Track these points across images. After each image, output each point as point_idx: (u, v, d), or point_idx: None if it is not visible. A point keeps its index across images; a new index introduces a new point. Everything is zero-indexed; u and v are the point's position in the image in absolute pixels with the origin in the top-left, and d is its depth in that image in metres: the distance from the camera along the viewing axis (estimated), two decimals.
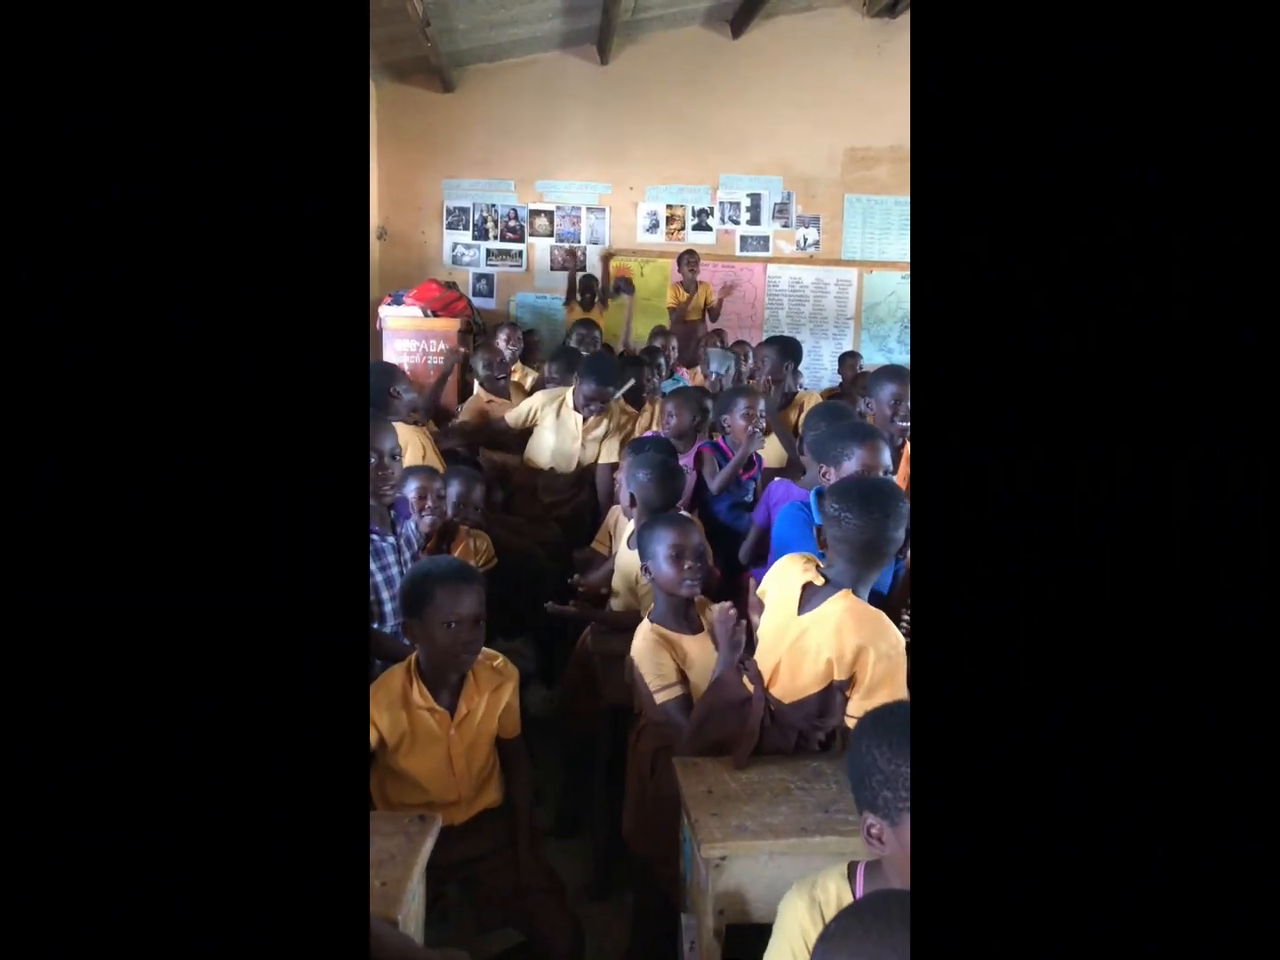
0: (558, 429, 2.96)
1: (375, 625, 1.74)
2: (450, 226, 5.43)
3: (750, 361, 3.68)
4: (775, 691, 1.40)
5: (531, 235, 5.48)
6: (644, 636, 1.65)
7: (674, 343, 4.15)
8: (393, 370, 2.70)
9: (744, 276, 5.56)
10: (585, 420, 2.93)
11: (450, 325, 4.41)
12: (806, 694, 1.37)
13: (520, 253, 5.50)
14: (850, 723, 1.33)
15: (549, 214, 5.47)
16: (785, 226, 5.57)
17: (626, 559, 2.11)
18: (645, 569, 1.73)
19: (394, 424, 1.97)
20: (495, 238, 5.46)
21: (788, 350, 3.11)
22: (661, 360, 3.72)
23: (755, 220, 5.55)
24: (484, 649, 1.56)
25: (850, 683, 1.33)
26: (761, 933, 1.09)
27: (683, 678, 1.60)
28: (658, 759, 1.55)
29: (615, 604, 2.16)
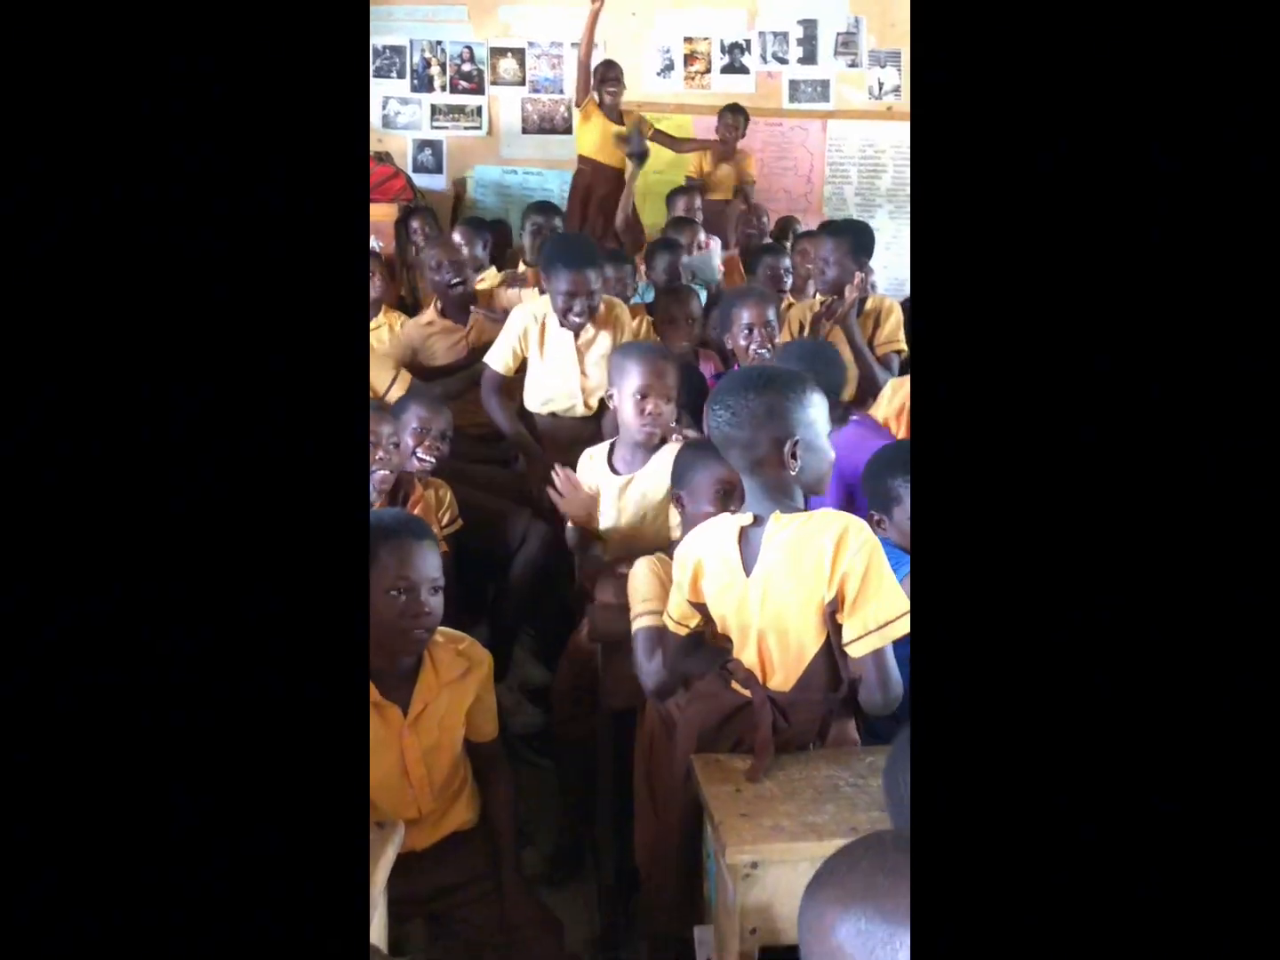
0: (546, 359, 2.95)
1: None
2: (379, 74, 5.55)
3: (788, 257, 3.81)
4: (774, 684, 1.59)
5: (494, 84, 5.61)
6: (641, 563, 1.96)
7: (703, 236, 4.26)
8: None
9: (794, 138, 5.67)
10: (576, 337, 2.92)
11: (382, 214, 4.56)
12: (806, 662, 1.55)
13: (479, 109, 5.63)
14: (852, 651, 1.51)
15: (518, 53, 5.58)
16: (853, 66, 5.66)
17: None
18: (610, 395, 2.35)
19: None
20: (443, 88, 5.59)
21: (856, 241, 3.23)
22: (684, 256, 3.84)
23: (810, 58, 5.64)
24: (446, 630, 1.74)
25: (837, 604, 1.51)
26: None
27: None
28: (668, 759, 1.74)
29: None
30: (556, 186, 5.51)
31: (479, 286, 3.69)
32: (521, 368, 3.02)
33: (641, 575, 1.90)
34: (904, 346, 3.37)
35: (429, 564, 1.66)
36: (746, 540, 1.57)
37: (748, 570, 1.55)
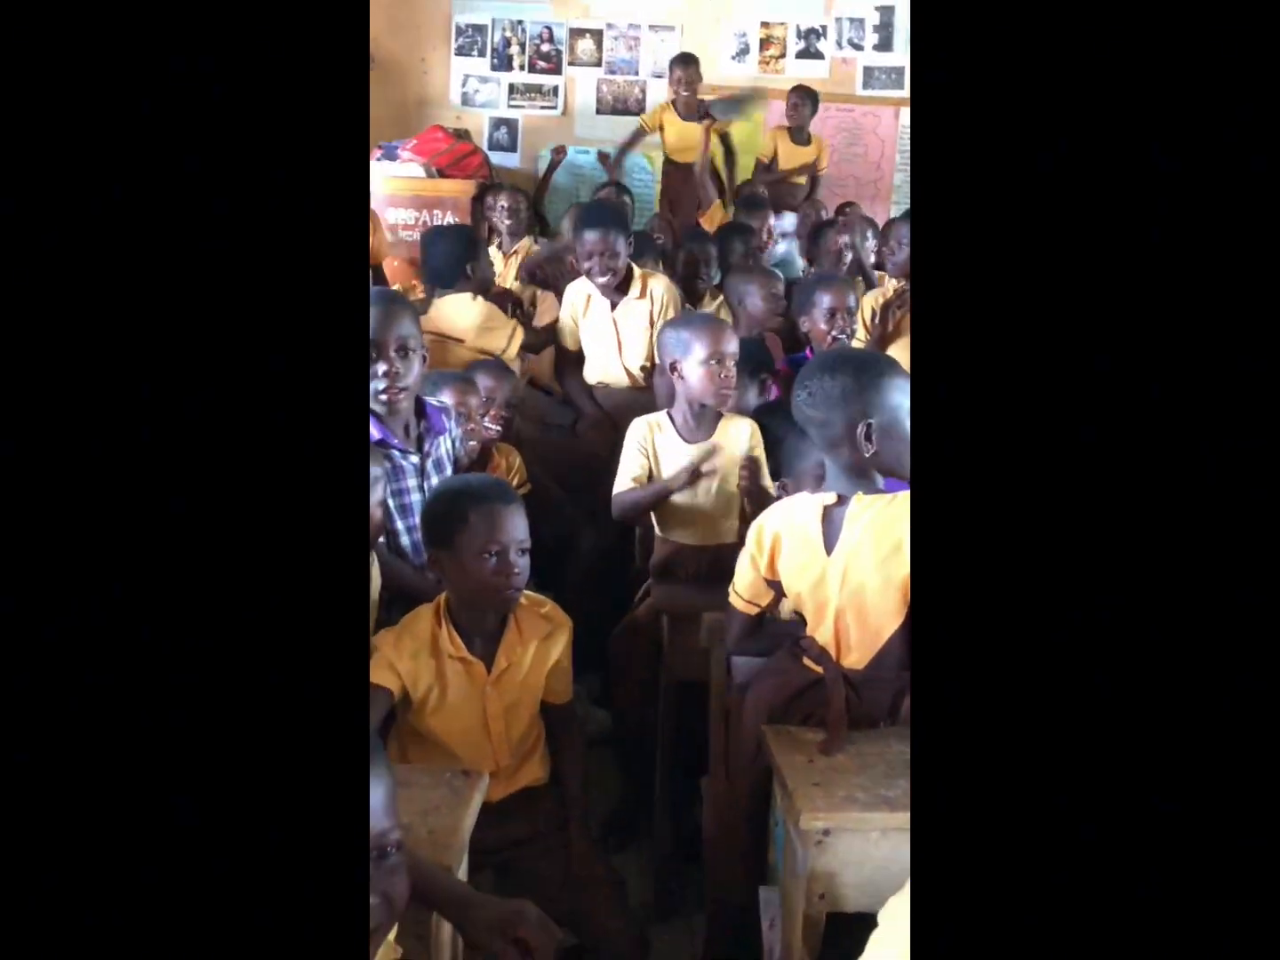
0: (589, 331, 3.15)
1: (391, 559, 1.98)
2: (460, 52, 5.61)
3: (871, 241, 3.81)
4: (849, 661, 1.62)
5: (572, 64, 5.64)
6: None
7: (772, 220, 4.29)
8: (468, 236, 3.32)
9: (866, 124, 5.65)
10: (613, 305, 3.09)
11: (461, 189, 4.64)
12: (884, 640, 1.58)
13: (555, 89, 5.67)
14: None
15: (596, 34, 5.61)
16: None
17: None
18: (672, 366, 2.33)
19: (418, 308, 2.19)
20: (521, 68, 5.63)
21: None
22: (739, 242, 3.86)
23: (886, 45, 5.61)
24: (530, 593, 1.79)
25: None
26: (865, 924, 1.31)
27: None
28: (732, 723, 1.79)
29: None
30: (630, 167, 5.54)
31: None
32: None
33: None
34: None
35: (518, 526, 1.71)
36: (829, 519, 1.60)
37: (829, 549, 1.58)
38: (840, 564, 1.57)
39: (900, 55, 5.61)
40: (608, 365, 3.16)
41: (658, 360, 2.60)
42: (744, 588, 1.73)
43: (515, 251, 4.05)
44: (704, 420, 2.38)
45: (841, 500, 1.60)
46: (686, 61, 4.91)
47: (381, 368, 1.92)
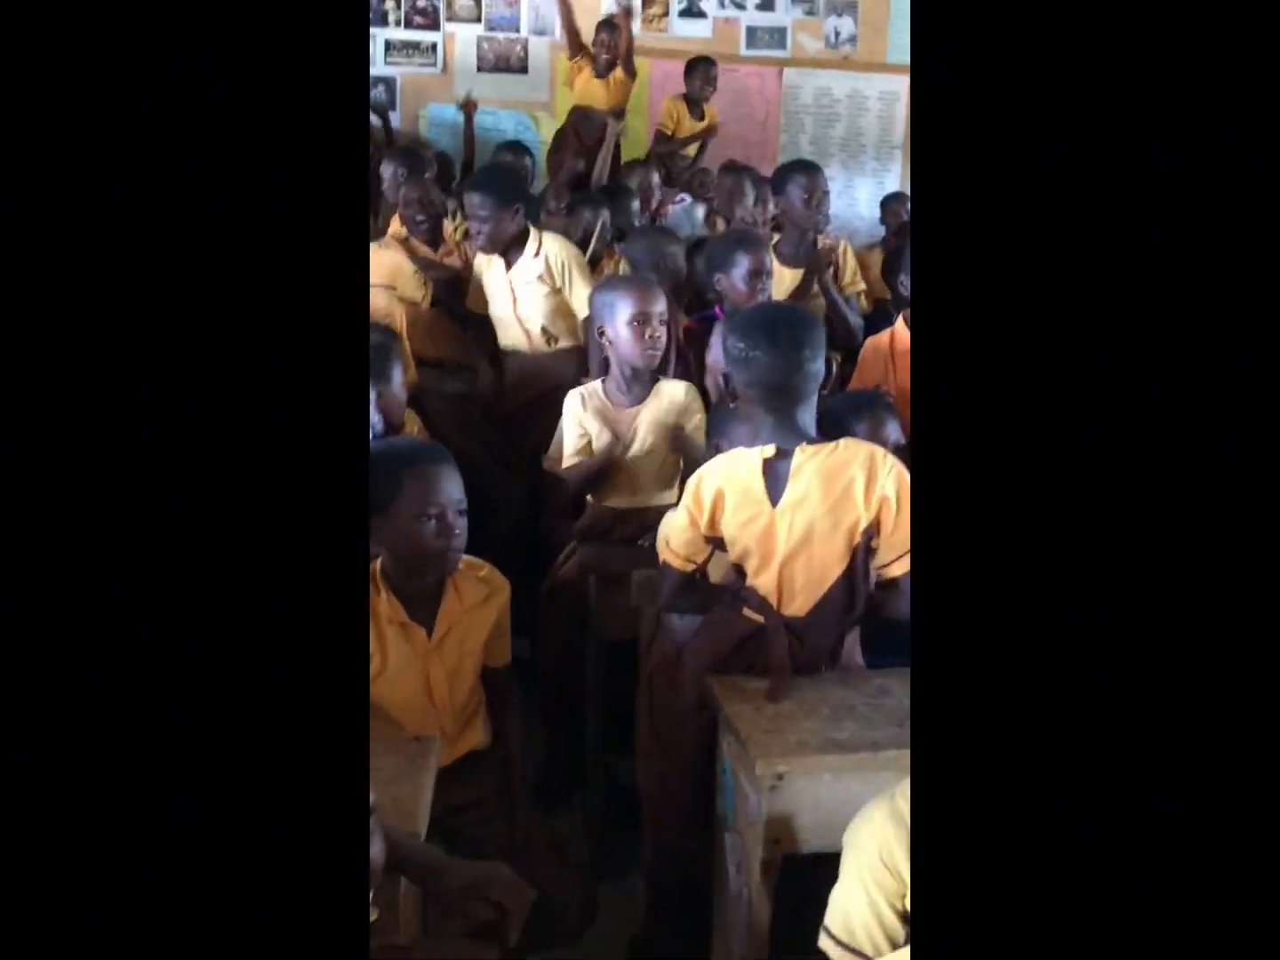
0: (489, 291, 3.13)
1: None
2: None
3: (750, 199, 3.85)
4: (790, 609, 1.65)
5: (450, 21, 5.50)
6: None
7: (656, 179, 4.28)
8: None
9: (751, 85, 5.67)
10: (508, 265, 3.07)
11: None
12: (827, 587, 1.62)
13: (434, 45, 5.52)
14: (893, 570, 1.63)
15: None
16: (809, 14, 5.66)
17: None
18: (600, 331, 2.37)
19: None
20: (398, 24, 5.47)
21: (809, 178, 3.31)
22: (635, 203, 3.86)
23: (768, 4, 5.63)
24: (467, 556, 1.77)
25: (874, 532, 1.60)
26: (819, 864, 1.34)
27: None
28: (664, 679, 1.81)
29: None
30: (511, 127, 5.45)
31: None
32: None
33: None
34: (863, 287, 3.47)
35: (454, 486, 1.69)
36: (771, 472, 1.62)
37: (774, 500, 1.60)
38: (788, 514, 1.60)
39: (781, 15, 5.65)
40: (507, 327, 3.14)
41: (589, 327, 2.58)
42: (680, 545, 1.74)
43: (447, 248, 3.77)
44: (637, 384, 2.38)
45: (781, 453, 1.62)
46: (608, 27, 4.88)
47: None
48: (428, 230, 3.44)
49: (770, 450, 1.63)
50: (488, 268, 3.14)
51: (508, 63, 5.55)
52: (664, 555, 1.78)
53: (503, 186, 3.10)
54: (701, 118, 5.04)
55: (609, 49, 4.84)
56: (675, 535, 1.75)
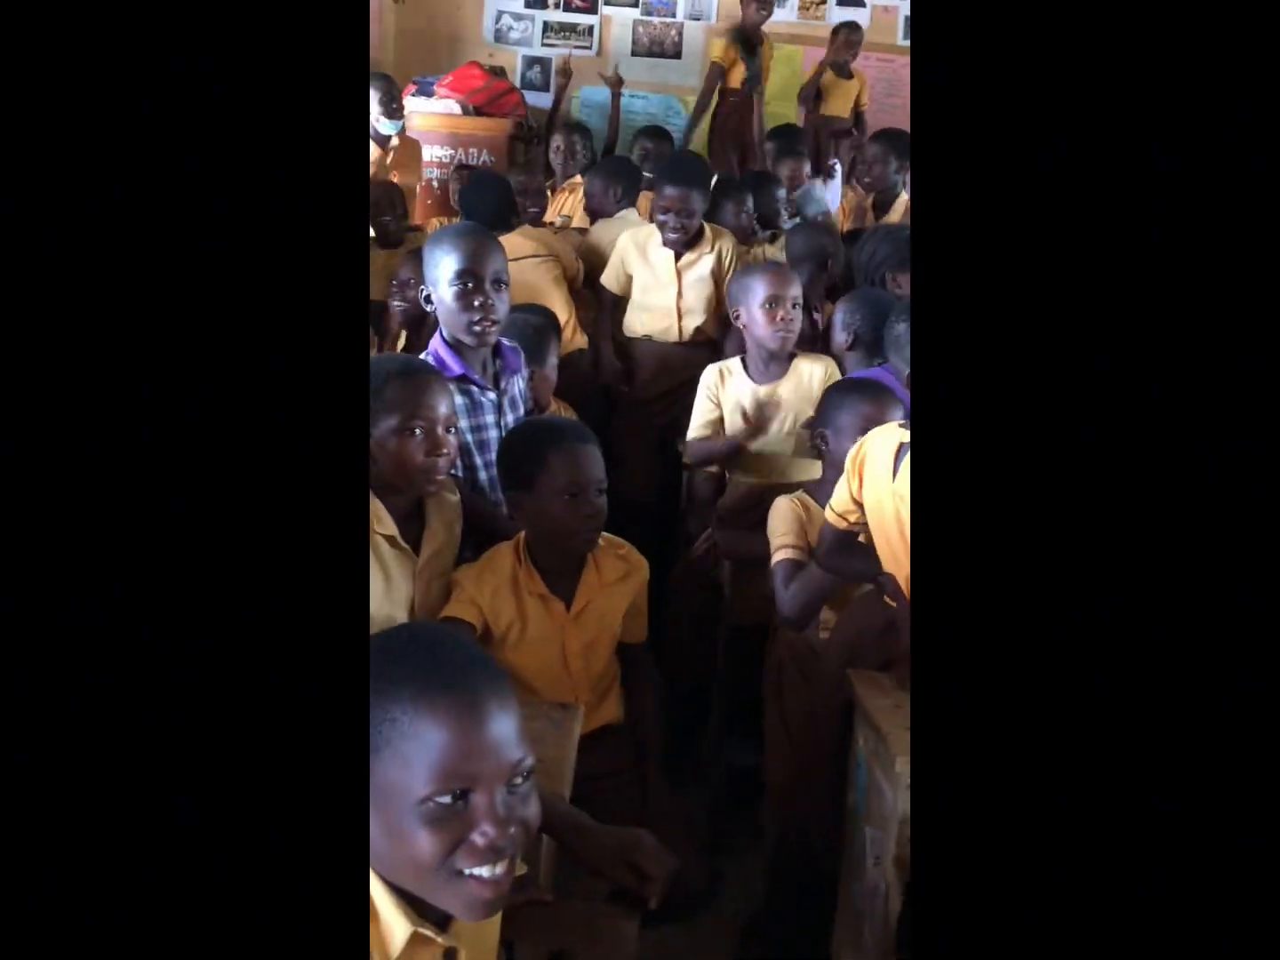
0: (647, 279, 3.06)
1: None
2: None
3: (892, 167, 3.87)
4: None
5: (607, 4, 5.55)
6: (783, 499, 2.08)
7: (805, 163, 4.22)
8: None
9: (906, 75, 5.56)
10: (678, 256, 3.01)
11: (497, 128, 4.59)
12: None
13: (590, 28, 5.58)
14: None
15: None
16: None
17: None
18: (736, 315, 2.47)
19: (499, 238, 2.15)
20: (556, 6, 5.54)
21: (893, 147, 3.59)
22: (780, 191, 3.82)
23: None
24: (607, 534, 1.80)
25: None
26: None
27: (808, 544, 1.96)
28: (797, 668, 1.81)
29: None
30: (661, 111, 5.48)
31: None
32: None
33: (783, 510, 2.01)
34: None
35: (596, 466, 1.73)
36: (900, 451, 1.61)
37: (894, 477, 1.59)
38: (895, 498, 1.58)
39: None
40: (660, 317, 3.07)
41: (728, 311, 2.61)
42: (837, 502, 1.76)
43: (565, 188, 3.99)
44: (775, 362, 2.43)
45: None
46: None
47: (477, 300, 1.92)
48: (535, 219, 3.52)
49: (906, 434, 1.61)
50: (641, 255, 3.07)
51: (662, 47, 5.58)
52: (825, 513, 1.80)
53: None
54: (850, 76, 4.99)
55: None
56: (836, 493, 1.76)
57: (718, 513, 2.39)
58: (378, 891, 0.92)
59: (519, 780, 0.97)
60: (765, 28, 4.82)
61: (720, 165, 4.36)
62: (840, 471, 1.87)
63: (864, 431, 1.91)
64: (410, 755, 0.90)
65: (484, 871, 0.91)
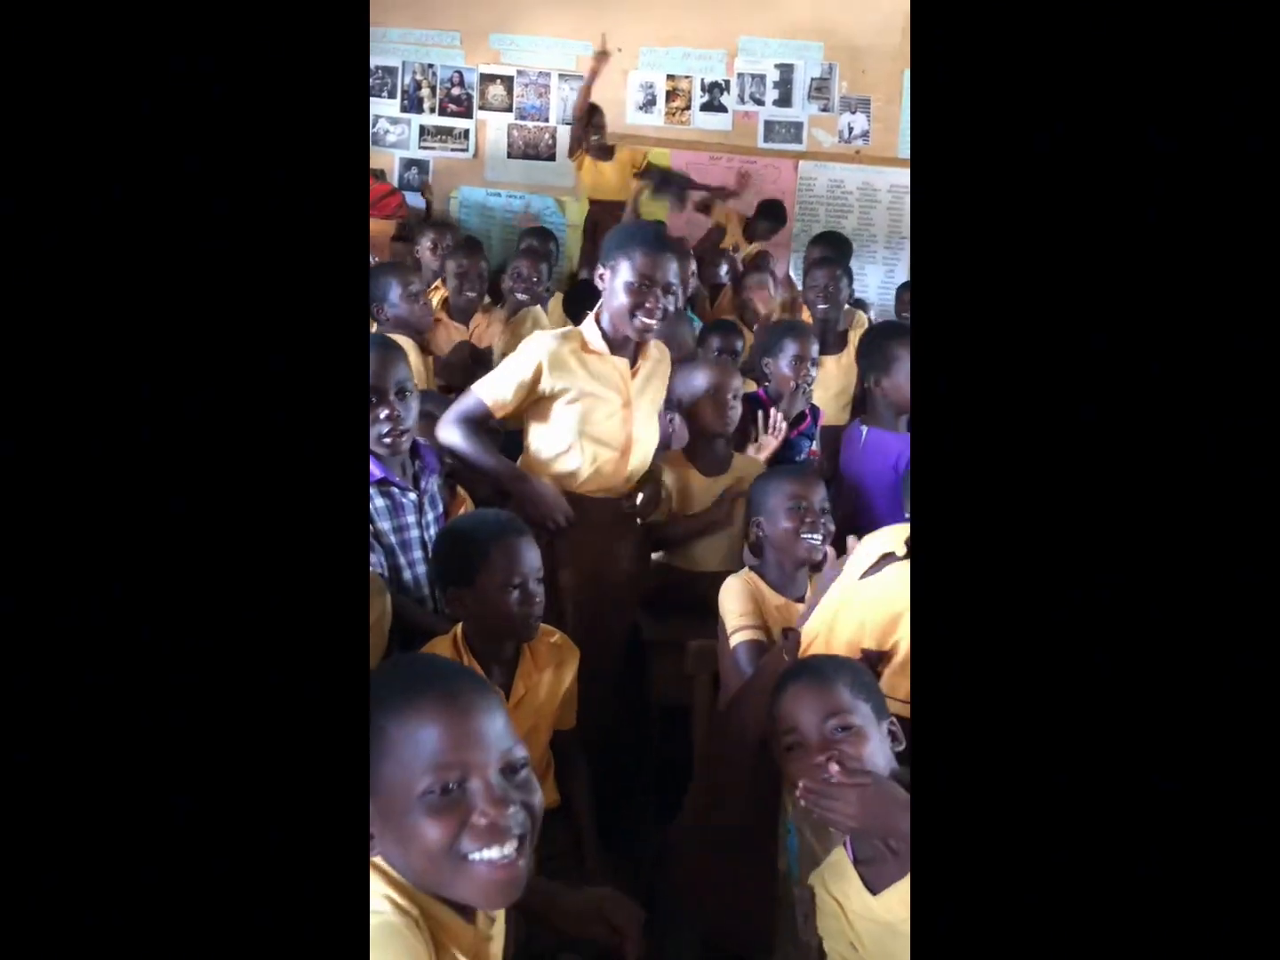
0: (583, 398, 2.21)
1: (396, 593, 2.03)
2: (371, 93, 5.65)
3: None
4: None
5: (483, 108, 5.74)
6: (735, 578, 2.08)
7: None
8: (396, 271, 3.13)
9: (768, 176, 5.91)
10: (633, 365, 2.27)
11: (382, 229, 4.66)
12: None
13: (466, 132, 5.75)
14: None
15: (507, 80, 5.72)
16: (825, 111, 5.93)
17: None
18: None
19: (402, 345, 2.19)
20: (432, 110, 5.71)
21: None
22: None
23: (785, 101, 5.89)
24: (546, 626, 1.88)
25: (883, 657, 1.63)
26: None
27: (765, 625, 1.99)
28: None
29: None
30: (539, 210, 5.67)
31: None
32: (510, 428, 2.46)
33: (735, 589, 2.04)
34: None
35: (535, 556, 1.80)
36: (888, 558, 1.68)
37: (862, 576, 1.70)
38: (853, 593, 1.69)
39: (798, 111, 5.91)
40: (608, 457, 2.26)
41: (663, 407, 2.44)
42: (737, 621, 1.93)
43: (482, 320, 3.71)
44: (710, 453, 2.54)
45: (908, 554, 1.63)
46: (595, 111, 5.16)
47: (384, 412, 1.97)
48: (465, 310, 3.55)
49: (899, 543, 1.66)
50: (575, 362, 2.20)
51: (536, 149, 5.78)
52: (758, 634, 1.91)
53: (685, 254, 2.81)
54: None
55: (600, 131, 5.07)
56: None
57: (642, 595, 2.47)
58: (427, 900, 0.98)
59: (514, 768, 1.02)
60: (636, 129, 5.13)
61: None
62: (781, 552, 2.00)
63: (795, 509, 2.03)
64: (405, 757, 0.96)
65: (492, 854, 0.95)
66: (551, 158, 5.72)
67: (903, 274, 5.96)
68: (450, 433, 2.22)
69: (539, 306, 3.60)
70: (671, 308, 2.22)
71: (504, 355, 3.32)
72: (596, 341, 2.25)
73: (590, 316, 2.29)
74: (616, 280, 2.19)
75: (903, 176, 6.00)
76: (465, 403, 2.25)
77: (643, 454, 2.32)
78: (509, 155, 5.75)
